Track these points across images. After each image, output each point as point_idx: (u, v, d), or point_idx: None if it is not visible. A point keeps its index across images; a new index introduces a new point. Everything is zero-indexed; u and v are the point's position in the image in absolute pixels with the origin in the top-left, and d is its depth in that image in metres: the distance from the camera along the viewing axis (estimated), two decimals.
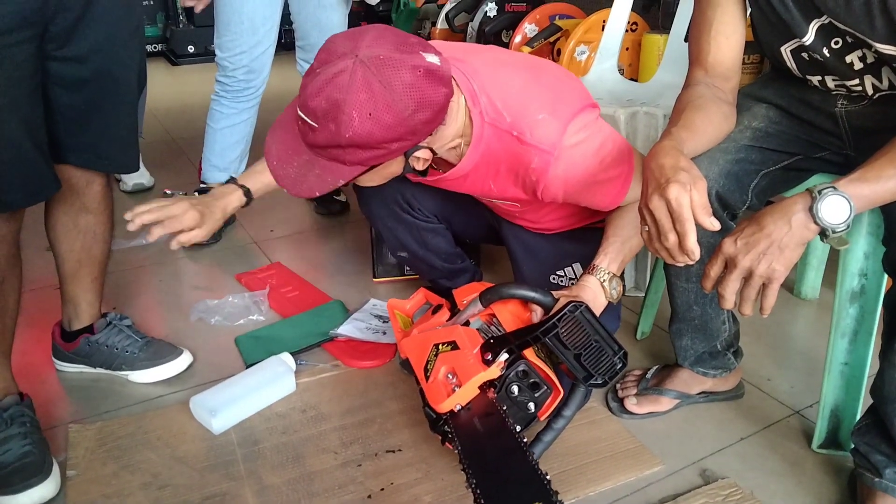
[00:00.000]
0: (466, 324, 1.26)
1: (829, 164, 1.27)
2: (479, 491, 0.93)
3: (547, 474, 0.90)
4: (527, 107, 1.22)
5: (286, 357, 1.54)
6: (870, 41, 1.04)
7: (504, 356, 1.14)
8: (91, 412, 1.46)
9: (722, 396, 1.47)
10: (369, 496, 1.23)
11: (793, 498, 1.23)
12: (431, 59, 1.10)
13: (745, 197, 1.22)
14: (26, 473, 1.21)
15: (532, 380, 1.16)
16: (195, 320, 1.79)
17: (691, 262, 0.98)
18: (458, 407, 1.13)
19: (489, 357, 1.14)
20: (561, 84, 1.30)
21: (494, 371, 1.13)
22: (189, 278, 2.06)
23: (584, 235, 1.47)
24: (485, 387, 1.14)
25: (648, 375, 1.49)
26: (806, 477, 1.28)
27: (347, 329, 1.69)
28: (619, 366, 1.17)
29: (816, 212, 0.93)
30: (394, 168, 1.21)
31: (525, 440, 0.99)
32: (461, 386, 1.13)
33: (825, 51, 1.11)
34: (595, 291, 1.25)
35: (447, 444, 1.17)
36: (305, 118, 1.10)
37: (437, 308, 1.36)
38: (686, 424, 1.41)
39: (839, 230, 0.94)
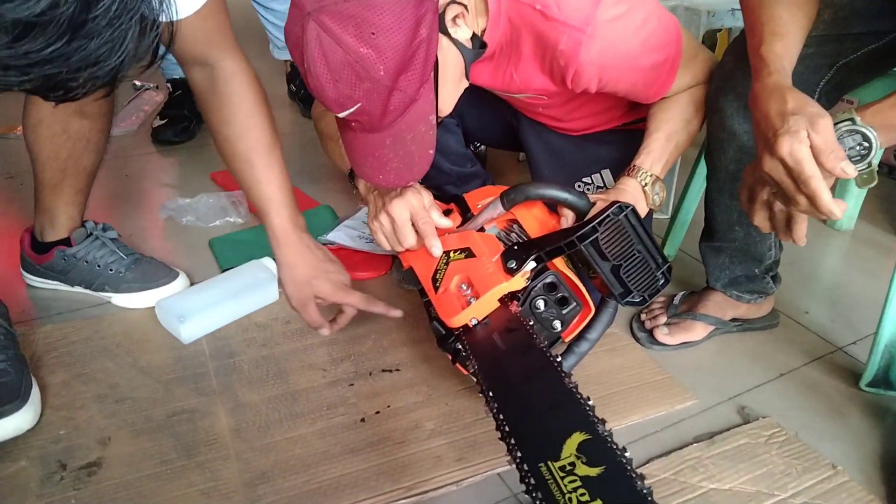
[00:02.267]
0: (481, 230, 1.08)
1: None
2: (503, 417, 0.76)
3: (589, 399, 0.73)
4: None
5: (268, 262, 1.35)
6: None
7: (531, 264, 0.96)
8: (40, 313, 1.27)
9: (757, 325, 1.32)
10: (362, 419, 1.07)
11: (840, 441, 1.09)
12: None
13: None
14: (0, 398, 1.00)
15: (560, 294, 0.99)
16: (164, 218, 1.59)
17: (835, 219, 0.81)
18: (474, 321, 0.96)
19: (513, 265, 0.96)
20: None
21: (519, 281, 0.96)
22: (158, 174, 1.84)
23: (616, 138, 1.28)
24: (506, 299, 0.97)
25: (676, 301, 1.32)
26: (854, 418, 1.13)
27: (337, 236, 1.50)
28: (662, 282, 1.01)
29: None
30: (451, 58, 1.01)
31: (558, 359, 0.82)
32: (478, 297, 0.96)
33: None
34: (635, 196, 1.08)
35: (458, 364, 1.00)
36: (348, 111, 0.90)
37: (447, 212, 1.18)
38: (719, 356, 1.26)
39: (861, 166, 0.81)
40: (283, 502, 0.93)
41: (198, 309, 1.22)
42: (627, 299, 0.99)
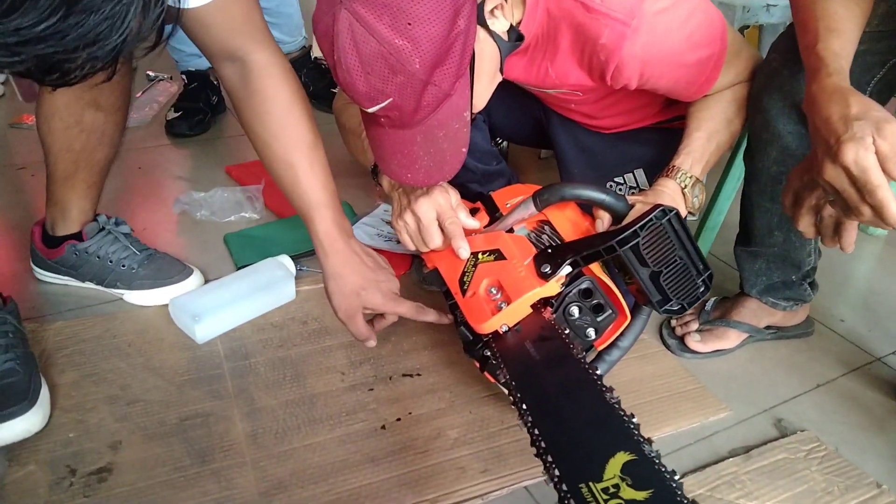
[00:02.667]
0: (510, 231, 1.03)
1: None
2: (538, 432, 0.71)
3: (633, 416, 0.69)
4: None
5: (285, 260, 1.31)
6: None
7: (566, 269, 0.91)
8: (50, 310, 1.23)
9: (791, 333, 1.27)
10: (383, 426, 1.03)
11: (884, 458, 1.04)
12: None
13: None
14: (7, 399, 0.95)
15: (595, 300, 0.94)
16: (178, 213, 1.54)
17: None
18: (505, 328, 0.91)
19: (547, 270, 0.91)
20: None
21: (553, 287, 0.91)
22: (172, 167, 1.80)
23: (650, 137, 1.23)
24: (538, 305, 0.92)
25: (708, 307, 1.27)
26: None
27: (356, 234, 1.45)
28: (702, 290, 0.96)
29: None
30: (488, 51, 0.96)
31: (598, 372, 0.78)
32: (510, 303, 0.91)
33: None
34: (674, 198, 1.03)
35: (486, 372, 0.96)
36: (378, 105, 0.85)
37: (473, 211, 1.13)
38: (752, 366, 1.21)
39: None
40: None
41: (213, 308, 1.17)
42: (665, 307, 0.95)
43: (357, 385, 1.10)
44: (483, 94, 0.99)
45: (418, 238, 1.05)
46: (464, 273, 1.00)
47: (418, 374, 1.13)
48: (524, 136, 1.48)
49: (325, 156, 1.02)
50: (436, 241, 1.04)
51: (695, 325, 1.23)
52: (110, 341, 1.15)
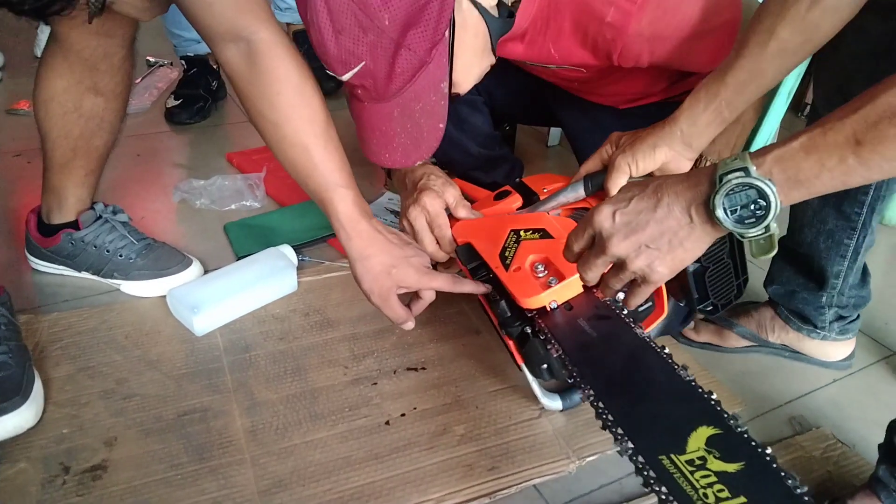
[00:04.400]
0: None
1: None
2: (602, 405, 0.69)
3: (712, 393, 0.66)
4: None
5: (286, 250, 1.28)
6: None
7: None
8: (45, 300, 1.20)
9: (816, 361, 1.17)
10: (387, 422, 0.99)
11: None
12: None
13: None
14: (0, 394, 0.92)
15: None
16: (177, 201, 1.51)
17: None
18: (553, 304, 0.88)
19: None
20: None
21: None
22: (172, 155, 1.76)
23: (664, 111, 1.19)
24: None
25: None
26: None
27: None
28: (736, 293, 0.94)
29: (713, 207, 0.63)
30: (471, 22, 0.91)
31: (668, 351, 0.75)
32: (561, 279, 0.88)
33: None
34: None
35: (518, 353, 0.93)
36: (352, 70, 0.83)
37: (504, 194, 1.10)
38: (766, 360, 1.17)
39: (752, 235, 0.63)
40: None
41: (212, 299, 1.14)
42: (701, 306, 0.92)
43: (360, 379, 1.07)
44: (468, 71, 0.95)
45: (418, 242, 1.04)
46: (504, 248, 0.97)
47: (423, 369, 1.10)
48: (528, 115, 1.44)
49: (337, 135, 0.97)
50: (428, 248, 1.03)
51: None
52: (106, 333, 1.12)
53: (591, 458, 0.95)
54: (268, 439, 0.95)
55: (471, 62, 0.95)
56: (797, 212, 1.07)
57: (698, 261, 0.87)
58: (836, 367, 1.16)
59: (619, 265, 0.72)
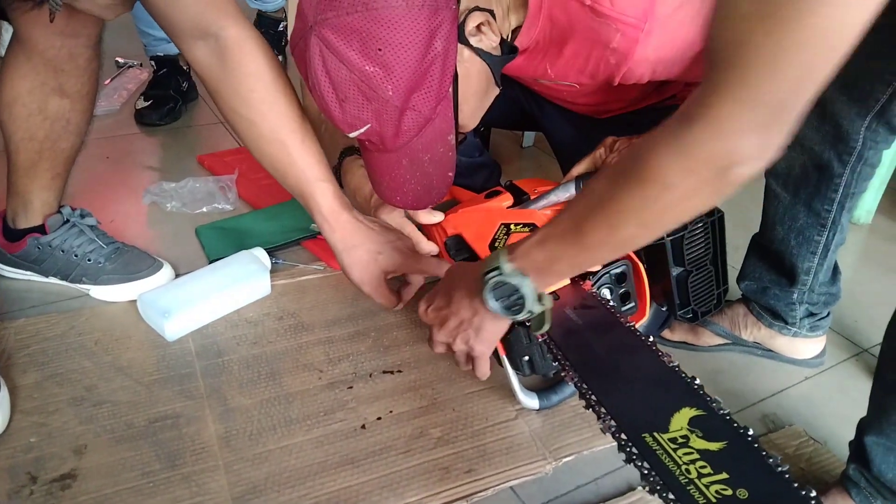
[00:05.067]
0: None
1: None
2: (586, 387, 0.72)
3: (695, 378, 0.69)
4: None
5: (259, 253, 1.26)
6: None
7: None
8: (11, 307, 1.17)
9: (787, 359, 1.19)
10: (363, 426, 0.99)
11: None
12: None
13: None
14: None
15: (625, 289, 0.94)
16: (147, 204, 1.49)
17: None
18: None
19: None
20: None
21: None
22: (142, 157, 1.73)
23: (648, 119, 1.19)
24: (577, 278, 0.92)
25: None
26: None
27: None
28: (715, 302, 0.96)
29: (486, 301, 0.76)
30: (474, 70, 0.91)
31: (651, 338, 0.78)
32: None
33: None
34: None
35: (500, 344, 0.94)
36: (358, 131, 0.84)
37: (494, 193, 1.11)
38: (739, 359, 1.19)
39: (521, 318, 0.76)
40: None
41: (183, 304, 1.12)
42: (680, 312, 0.94)
43: (335, 383, 1.06)
44: (472, 112, 0.96)
45: None
46: (495, 240, 0.98)
47: (399, 371, 1.09)
48: (511, 122, 1.44)
49: (312, 129, 0.97)
50: (412, 235, 1.05)
51: None
52: (75, 339, 1.10)
53: (568, 459, 0.95)
54: (242, 445, 0.94)
55: (475, 105, 0.96)
56: (769, 209, 1.09)
57: (683, 263, 0.89)
58: (808, 364, 1.17)
59: (449, 347, 0.87)
